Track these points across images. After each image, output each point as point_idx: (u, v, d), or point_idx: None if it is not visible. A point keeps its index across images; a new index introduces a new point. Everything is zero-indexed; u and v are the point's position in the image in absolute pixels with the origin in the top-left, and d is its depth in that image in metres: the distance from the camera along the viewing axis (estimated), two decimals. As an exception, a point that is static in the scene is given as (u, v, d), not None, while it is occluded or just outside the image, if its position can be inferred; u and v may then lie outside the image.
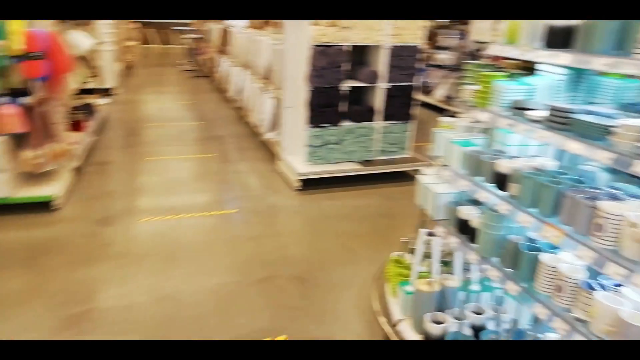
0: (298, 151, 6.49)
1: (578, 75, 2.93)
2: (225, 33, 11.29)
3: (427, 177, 3.46)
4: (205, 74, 14.58)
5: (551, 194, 2.34)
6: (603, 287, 2.22)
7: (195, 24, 16.55)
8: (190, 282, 4.12)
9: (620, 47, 2.17)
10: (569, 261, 2.39)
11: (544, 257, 2.45)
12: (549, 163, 2.76)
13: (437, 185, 3.32)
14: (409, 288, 3.41)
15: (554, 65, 2.86)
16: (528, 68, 3.51)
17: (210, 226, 5.20)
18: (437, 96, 10.98)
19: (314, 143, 6.19)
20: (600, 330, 2.09)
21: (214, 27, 12.80)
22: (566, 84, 2.94)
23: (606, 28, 2.17)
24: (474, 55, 8.42)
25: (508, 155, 2.89)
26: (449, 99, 10.65)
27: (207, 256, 4.57)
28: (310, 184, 6.19)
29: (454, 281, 3.25)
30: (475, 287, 3.18)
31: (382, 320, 3.48)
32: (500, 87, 2.86)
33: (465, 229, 3.03)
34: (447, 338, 2.99)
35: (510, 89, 2.83)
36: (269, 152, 7.59)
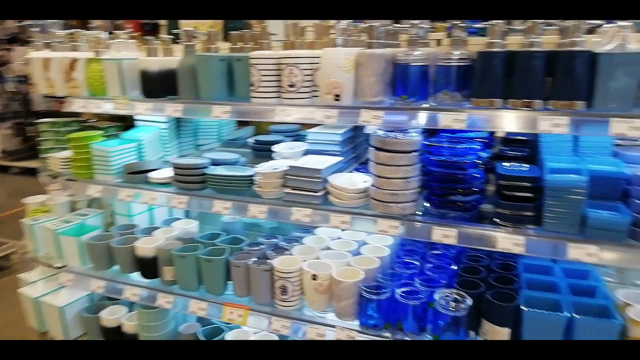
0: None
1: (179, 120, 2.65)
2: None
3: (36, 288, 2.45)
4: None
5: (217, 268, 1.97)
6: (300, 346, 2.06)
7: None
8: None
9: (233, 92, 1.98)
10: (258, 331, 2.12)
11: (232, 336, 2.08)
12: (191, 225, 2.38)
13: (55, 295, 2.38)
14: None
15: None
16: (122, 118, 2.99)
17: None
18: (-10, 153, 8.79)
19: None
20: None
21: None
22: (171, 131, 2.61)
23: (213, 73, 1.92)
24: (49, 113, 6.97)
25: (142, 229, 2.32)
26: (7, 154, 8.73)
27: None
28: None
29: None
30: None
31: None
32: (102, 151, 2.23)
33: (119, 338, 2.29)
34: None
35: (116, 152, 2.24)
36: None
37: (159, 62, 2.06)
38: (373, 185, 1.78)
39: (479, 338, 1.69)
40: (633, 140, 2.03)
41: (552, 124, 1.46)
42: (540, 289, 1.68)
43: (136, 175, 2.20)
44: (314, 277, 1.81)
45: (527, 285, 1.70)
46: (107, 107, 2.18)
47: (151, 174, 2.18)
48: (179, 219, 2.52)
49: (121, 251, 2.14)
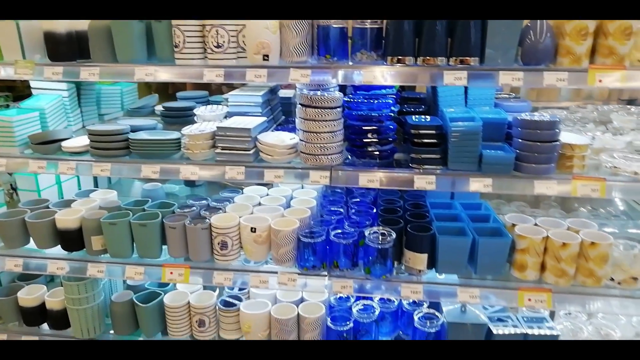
0: None
1: (79, 89, 2.51)
2: None
3: None
4: None
5: (151, 232, 1.97)
6: (239, 298, 2.17)
7: None
8: None
9: (153, 54, 1.95)
10: (195, 290, 2.19)
11: (169, 298, 2.12)
12: (110, 195, 2.32)
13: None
14: None
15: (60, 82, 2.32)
16: (9, 87, 2.72)
17: None
18: None
19: None
20: (258, 339, 2.07)
21: None
22: (73, 100, 2.47)
23: (132, 35, 1.87)
24: None
25: (56, 203, 2.20)
26: None
27: None
28: None
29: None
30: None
31: None
32: (3, 121, 2.05)
33: (42, 317, 2.19)
34: None
35: (19, 121, 2.08)
36: None
37: (66, 23, 1.95)
38: (302, 140, 1.92)
39: (402, 266, 1.96)
40: (509, 94, 2.44)
41: (455, 78, 1.73)
42: (447, 220, 2.00)
43: (46, 145, 2.07)
44: (253, 230, 1.92)
45: (436, 218, 2.00)
46: (5, 73, 1.99)
47: (65, 143, 2.07)
48: (93, 190, 2.42)
49: (39, 226, 2.02)
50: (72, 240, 2.04)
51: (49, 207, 2.15)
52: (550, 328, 1.93)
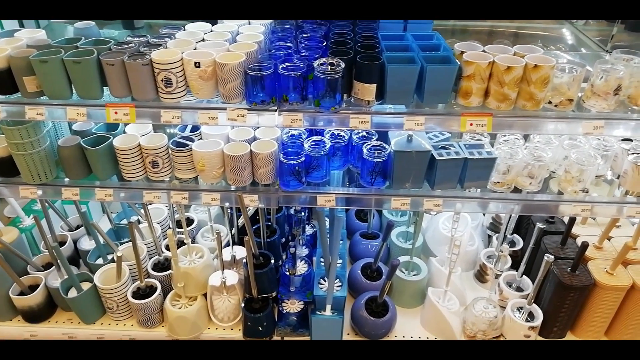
0: None
1: None
2: None
3: None
4: None
5: (87, 70, 1.85)
6: (191, 139, 2.16)
7: None
8: None
9: None
10: (145, 133, 2.16)
11: (119, 141, 2.09)
12: (39, 34, 2.12)
13: None
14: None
15: None
16: None
17: None
18: None
19: None
20: (213, 177, 2.12)
21: None
22: None
23: None
24: None
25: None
26: None
27: None
28: None
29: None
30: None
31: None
32: None
33: (-12, 166, 2.15)
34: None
35: None
36: None
37: None
38: (243, -37, 1.75)
39: (351, 99, 1.96)
40: None
41: None
42: (398, 50, 1.97)
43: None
44: (197, 65, 1.84)
45: (387, 49, 1.96)
46: None
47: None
48: (18, 30, 2.20)
49: (-40, 68, 1.86)
50: (3, 81, 1.91)
51: (-32, 49, 1.96)
52: (488, 152, 2.06)
